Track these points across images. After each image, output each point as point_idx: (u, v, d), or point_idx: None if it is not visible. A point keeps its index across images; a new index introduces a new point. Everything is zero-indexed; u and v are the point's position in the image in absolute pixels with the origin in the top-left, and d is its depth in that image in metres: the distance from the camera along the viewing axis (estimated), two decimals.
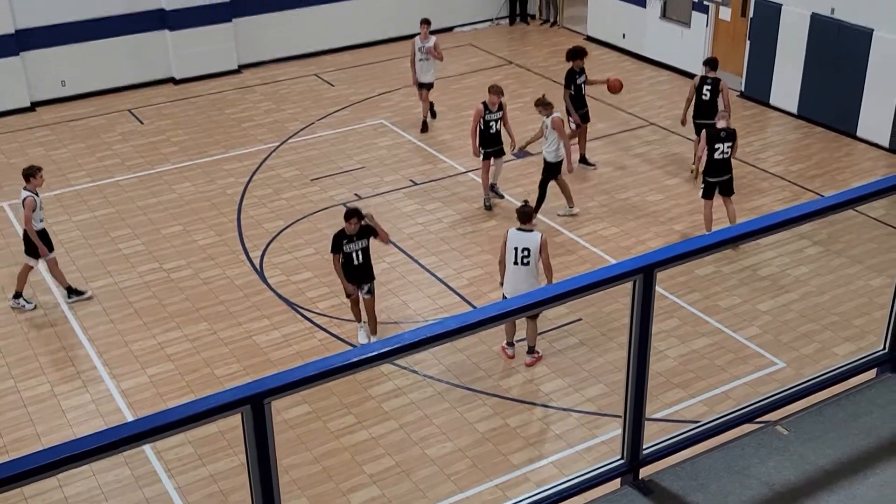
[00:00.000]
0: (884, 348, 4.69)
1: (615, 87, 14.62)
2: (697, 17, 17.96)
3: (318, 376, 3.20)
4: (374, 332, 10.93)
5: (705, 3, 16.75)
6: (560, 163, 13.13)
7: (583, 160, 14.89)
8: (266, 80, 18.71)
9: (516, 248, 10.03)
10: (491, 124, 13.50)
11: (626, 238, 12.97)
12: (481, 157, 13.70)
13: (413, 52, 15.96)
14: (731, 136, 12.38)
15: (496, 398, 10.09)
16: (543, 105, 13.05)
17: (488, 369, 10.50)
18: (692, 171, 14.59)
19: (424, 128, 16.28)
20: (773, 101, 16.82)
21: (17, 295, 11.67)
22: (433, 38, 15.88)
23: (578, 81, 14.58)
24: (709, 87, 14.12)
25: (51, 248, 11.56)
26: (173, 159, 15.47)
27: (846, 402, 4.43)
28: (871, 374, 4.77)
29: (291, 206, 13.97)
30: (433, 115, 16.63)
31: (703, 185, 12.68)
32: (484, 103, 13.51)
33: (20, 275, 11.65)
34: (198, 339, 11.11)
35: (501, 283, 10.43)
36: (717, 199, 12.61)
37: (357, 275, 10.62)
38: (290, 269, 12.42)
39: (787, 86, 16.46)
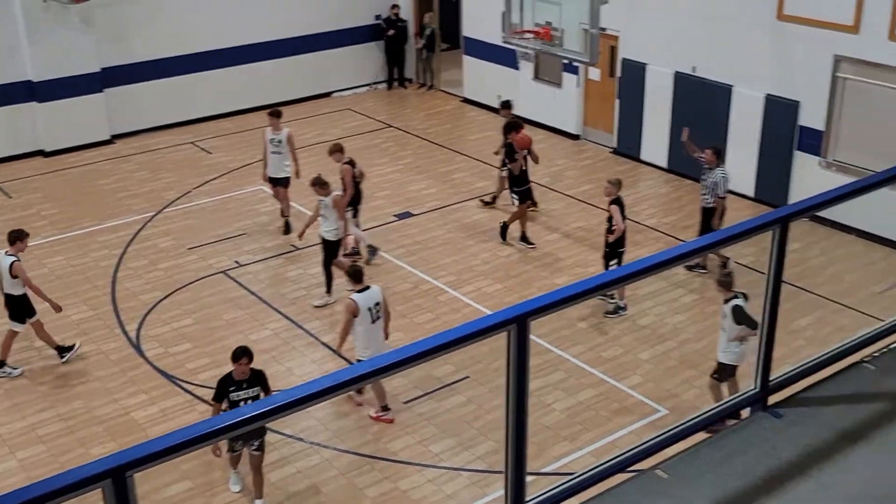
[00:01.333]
0: (755, 387, 4.80)
1: (521, 142, 14.25)
2: (568, 78, 18.52)
3: (183, 445, 3.05)
4: (259, 495, 9.24)
5: (574, 64, 17.27)
6: (339, 241, 12.78)
7: (525, 239, 14.43)
8: (140, 149, 18.34)
9: (370, 308, 10.04)
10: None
11: (509, 294, 13.09)
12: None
13: (265, 145, 14.51)
14: (610, 204, 12.53)
15: (385, 461, 9.93)
16: (320, 185, 12.50)
17: (376, 433, 10.35)
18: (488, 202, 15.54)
19: (287, 228, 14.68)
20: (643, 157, 17.39)
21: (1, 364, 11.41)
22: (286, 129, 14.45)
23: (517, 155, 14.15)
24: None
25: (33, 313, 11.37)
26: (44, 233, 14.91)
27: (721, 443, 4.50)
28: (745, 413, 4.88)
29: (169, 276, 13.61)
30: (286, 229, 14.69)
31: (617, 262, 12.48)
32: (351, 161, 13.57)
33: (4, 342, 11.33)
34: (72, 419, 10.62)
35: (339, 351, 10.43)
36: None
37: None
38: (168, 340, 12.05)
39: (655, 141, 17.06)
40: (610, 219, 12.38)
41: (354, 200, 13.71)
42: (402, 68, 21.96)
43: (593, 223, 14.67)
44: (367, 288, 10.18)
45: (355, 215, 13.85)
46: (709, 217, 13.27)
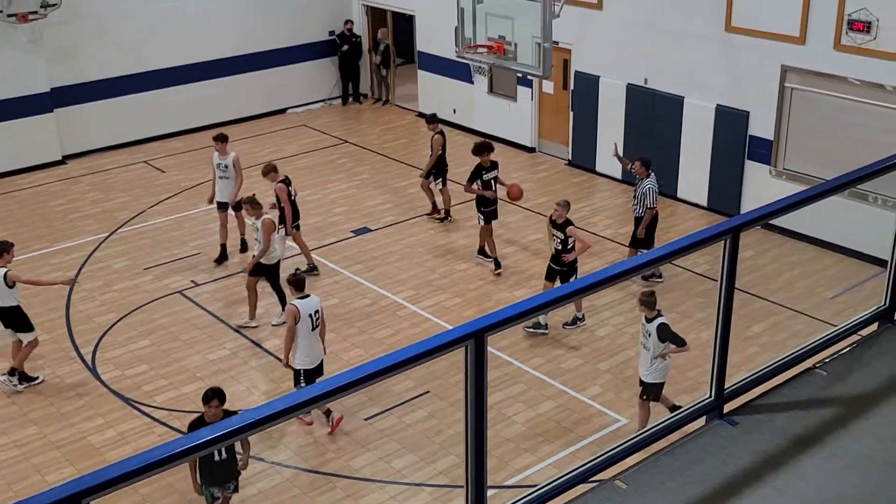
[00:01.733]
0: (710, 396, 4.86)
1: (516, 195, 14.09)
2: (523, 91, 18.65)
3: (141, 470, 3.02)
4: None
5: (528, 77, 17.40)
6: (277, 264, 12.55)
7: (482, 252, 14.32)
8: (92, 169, 18.14)
9: (311, 315, 10.24)
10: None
11: (468, 307, 13.11)
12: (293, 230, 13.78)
13: (213, 170, 14.33)
14: (561, 227, 12.20)
15: (347, 479, 9.88)
16: (252, 205, 12.31)
17: (337, 450, 10.30)
18: (441, 219, 15.67)
19: (244, 246, 14.58)
20: (598, 169, 17.54)
21: (20, 375, 11.43)
22: (232, 154, 14.17)
23: (486, 177, 13.90)
24: (442, 141, 15.49)
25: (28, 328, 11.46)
26: None
27: (679, 452, 4.55)
28: (702, 421, 4.94)
29: (124, 297, 13.46)
30: (242, 247, 14.61)
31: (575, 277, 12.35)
32: (286, 179, 13.59)
33: (17, 354, 11.41)
34: (27, 445, 10.44)
35: (287, 362, 10.39)
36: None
37: (220, 474, 8.69)
38: (124, 363, 11.91)
39: (610, 152, 17.18)
40: (563, 241, 12.14)
41: (293, 217, 13.69)
42: (356, 84, 21.98)
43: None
44: (308, 296, 10.38)
45: (297, 229, 13.84)
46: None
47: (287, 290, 11.93)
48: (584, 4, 16.71)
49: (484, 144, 14.13)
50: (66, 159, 18.42)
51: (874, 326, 5.58)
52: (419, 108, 21.01)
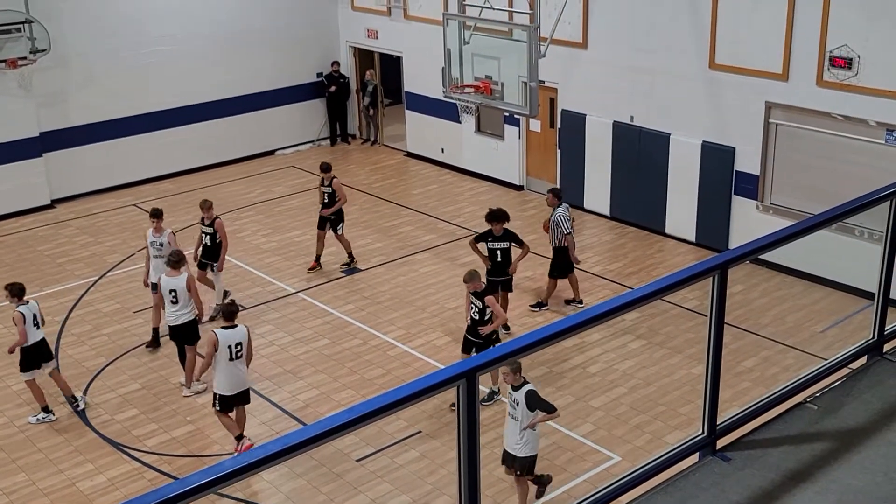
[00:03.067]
0: (702, 432, 4.86)
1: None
2: (510, 130, 18.78)
3: None
4: None
5: (515, 116, 17.54)
6: (187, 324, 11.96)
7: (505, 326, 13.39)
8: (81, 213, 18.14)
9: (230, 346, 10.37)
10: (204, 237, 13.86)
11: (458, 346, 13.04)
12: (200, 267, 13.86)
13: (147, 248, 13.33)
14: (480, 296, 11.44)
15: None
16: (173, 265, 11.93)
17: (330, 493, 10.22)
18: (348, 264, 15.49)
19: (154, 343, 13.16)
20: (586, 205, 17.61)
21: (46, 409, 11.67)
22: (167, 231, 13.19)
23: (491, 245, 12.93)
24: (327, 186, 15.10)
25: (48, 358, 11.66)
26: None
27: (673, 489, 4.54)
28: (695, 458, 4.93)
29: (113, 341, 13.39)
30: (155, 343, 13.13)
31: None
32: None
33: (61, 385, 11.74)
34: (14, 493, 10.32)
35: (189, 383, 10.92)
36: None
37: None
38: (113, 407, 11.82)
39: (597, 190, 17.33)
40: (481, 311, 11.42)
41: (212, 255, 13.81)
42: (344, 124, 22.11)
43: (539, 272, 14.79)
44: (234, 327, 10.48)
45: (203, 268, 13.88)
46: (559, 256, 13.76)
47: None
48: (569, 44, 16.89)
49: (495, 213, 12.95)
50: (54, 203, 18.42)
51: (864, 359, 5.60)
52: (407, 147, 21.13)
